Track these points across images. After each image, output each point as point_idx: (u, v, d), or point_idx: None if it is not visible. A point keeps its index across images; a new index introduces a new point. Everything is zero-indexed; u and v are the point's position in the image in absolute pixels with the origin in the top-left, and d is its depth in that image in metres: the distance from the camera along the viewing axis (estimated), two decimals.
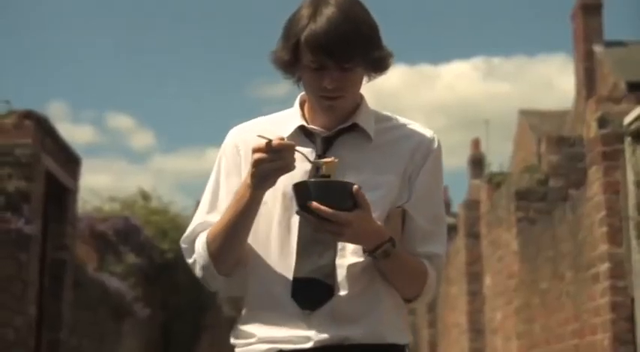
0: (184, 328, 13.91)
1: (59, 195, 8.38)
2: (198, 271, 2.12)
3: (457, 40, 51.53)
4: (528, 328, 8.94)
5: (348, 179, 2.04)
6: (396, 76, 55.24)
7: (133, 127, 56.33)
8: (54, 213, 8.25)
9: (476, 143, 28.61)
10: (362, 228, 1.98)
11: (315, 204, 1.93)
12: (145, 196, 14.14)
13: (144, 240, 12.03)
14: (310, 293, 2.05)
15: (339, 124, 2.14)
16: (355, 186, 1.96)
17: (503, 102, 48.42)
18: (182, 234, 2.19)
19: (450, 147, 48.35)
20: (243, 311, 2.15)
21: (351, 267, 2.07)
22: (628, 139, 6.65)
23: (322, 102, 2.11)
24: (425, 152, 2.17)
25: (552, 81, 45.43)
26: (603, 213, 6.74)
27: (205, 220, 2.15)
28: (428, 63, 62.40)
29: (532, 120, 25.41)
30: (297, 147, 2.00)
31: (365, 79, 2.15)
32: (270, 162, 1.95)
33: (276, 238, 2.09)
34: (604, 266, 6.72)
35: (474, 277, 11.94)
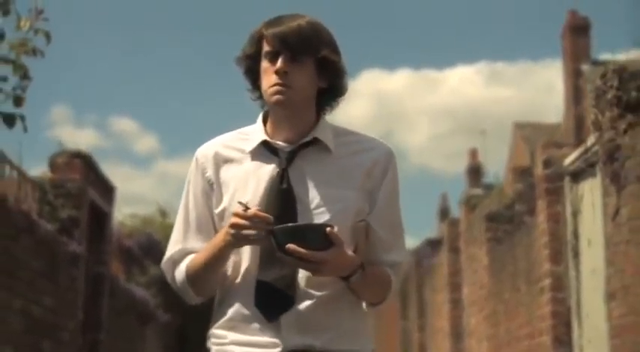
0: (197, 331, 15.46)
1: (99, 218, 9.94)
2: (177, 289, 2.33)
3: (461, 44, 51.65)
4: (495, 332, 10.49)
5: (310, 191, 2.22)
6: (400, 80, 55.61)
7: (137, 131, 56.23)
8: (94, 234, 9.80)
9: (473, 153, 29.79)
10: (337, 263, 2.12)
11: (293, 246, 2.05)
12: (163, 213, 15.74)
13: (164, 254, 13.56)
14: (272, 302, 2.17)
15: (300, 138, 2.26)
16: (328, 228, 2.09)
17: (507, 107, 48.95)
18: None
19: (454, 152, 48.63)
20: (215, 316, 2.29)
21: (313, 277, 2.17)
22: (567, 178, 8.20)
23: (273, 97, 2.22)
24: (384, 166, 2.28)
25: (556, 85, 46.29)
26: (547, 238, 8.30)
27: (181, 248, 2.32)
28: (432, 67, 62.50)
29: (526, 132, 26.69)
30: (258, 212, 2.11)
31: (328, 111, 2.32)
32: (244, 229, 2.10)
33: (243, 247, 2.21)
34: (547, 281, 8.28)
35: (455, 287, 13.49)
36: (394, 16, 53.45)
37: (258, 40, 2.25)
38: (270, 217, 2.10)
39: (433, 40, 53.38)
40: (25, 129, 5.69)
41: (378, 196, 2.27)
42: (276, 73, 2.20)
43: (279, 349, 2.15)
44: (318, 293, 2.19)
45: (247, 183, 2.24)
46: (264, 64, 2.24)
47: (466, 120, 49.70)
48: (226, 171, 2.28)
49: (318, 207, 2.20)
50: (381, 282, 2.27)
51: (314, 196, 2.21)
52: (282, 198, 2.20)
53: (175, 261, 2.31)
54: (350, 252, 2.16)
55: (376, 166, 2.27)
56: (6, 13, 5.56)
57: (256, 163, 2.26)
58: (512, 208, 10.73)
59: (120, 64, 49.00)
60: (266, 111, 2.32)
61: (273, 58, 2.21)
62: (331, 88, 2.28)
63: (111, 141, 51.44)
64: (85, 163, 9.12)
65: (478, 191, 18.36)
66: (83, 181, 9.00)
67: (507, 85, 51.89)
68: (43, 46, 6.00)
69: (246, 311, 2.20)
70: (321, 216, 2.19)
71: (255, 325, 2.18)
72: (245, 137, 2.31)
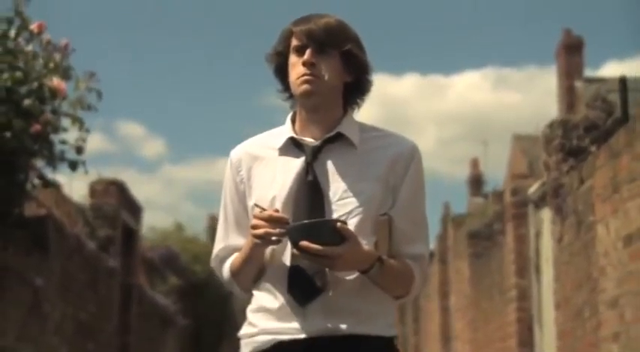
0: (211, 334, 16.95)
1: (129, 236, 11.41)
2: (228, 287, 2.47)
3: (468, 50, 51.28)
4: (475, 335, 11.94)
5: (333, 184, 2.27)
6: (407, 85, 54.18)
7: (143, 136, 55.03)
8: (125, 249, 11.25)
9: (474, 163, 30.84)
10: (351, 258, 2.15)
11: (304, 243, 2.09)
12: (180, 228, 17.26)
13: (182, 265, 15.07)
14: (303, 288, 2.21)
15: (326, 134, 2.31)
16: (338, 223, 2.13)
17: (513, 113, 49.17)
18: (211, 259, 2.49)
19: (460, 157, 48.91)
20: (250, 306, 2.36)
21: None
22: (531, 205, 9.64)
23: (300, 87, 2.28)
24: (406, 162, 2.31)
25: None
26: (513, 255, 9.75)
27: (225, 245, 2.42)
28: (439, 72, 61.29)
29: (524, 144, 27.97)
30: (278, 215, 2.18)
31: (356, 110, 2.39)
32: (263, 229, 2.17)
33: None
34: (514, 292, 9.72)
35: (444, 295, 14.95)
36: (401, 21, 53.52)
37: (287, 37, 2.33)
38: (286, 217, 2.17)
39: (440, 46, 53.54)
40: (86, 172, 7.12)
41: (401, 190, 2.30)
42: (304, 64, 2.27)
43: (306, 333, 2.20)
44: (346, 280, 2.23)
45: (275, 178, 2.31)
46: (293, 58, 2.31)
47: (473, 125, 49.72)
48: (257, 169, 2.36)
49: (341, 198, 2.26)
50: (403, 276, 2.30)
51: (337, 188, 2.27)
52: (309, 190, 2.26)
53: (221, 259, 2.43)
54: (366, 246, 2.20)
55: (399, 161, 2.31)
56: (68, 78, 6.96)
57: (284, 159, 2.33)
58: (491, 227, 12.17)
59: (126, 67, 48.46)
60: (294, 112, 2.39)
61: (300, 51, 2.29)
62: (357, 82, 2.34)
63: (117, 145, 50.81)
64: (118, 189, 10.60)
65: (479, 200, 19.75)
66: (117, 205, 10.47)
67: (514, 90, 52.04)
68: (95, 101, 7.22)
69: (277, 298, 2.26)
70: (343, 208, 2.25)
71: (285, 311, 2.24)
72: (275, 136, 2.39)
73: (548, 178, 8.04)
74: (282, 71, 2.35)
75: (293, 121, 2.37)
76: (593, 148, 7.46)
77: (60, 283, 7.97)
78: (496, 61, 56.43)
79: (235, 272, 2.36)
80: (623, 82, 7.11)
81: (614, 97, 7.53)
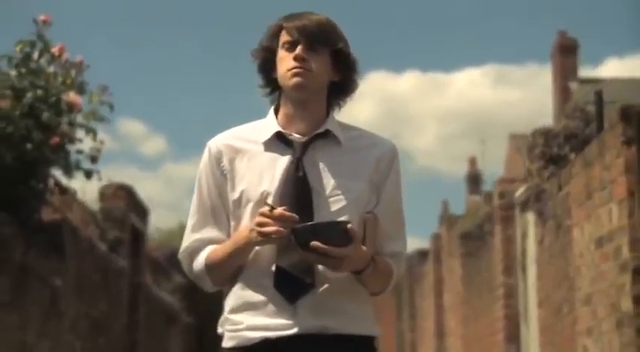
0: (213, 331, 17.47)
1: (136, 237, 11.96)
2: (195, 279, 2.39)
3: (469, 46, 51.28)
4: (467, 331, 12.49)
5: (323, 180, 2.27)
6: (407, 82, 54.48)
7: (145, 133, 56.20)
8: (133, 250, 11.80)
9: (472, 161, 31.18)
10: (356, 259, 2.18)
11: (317, 243, 2.10)
12: (183, 227, 17.78)
13: None
14: (292, 285, 2.21)
15: (312, 131, 2.30)
16: (349, 225, 2.14)
17: (514, 110, 49.24)
18: None
19: (460, 154, 49.13)
20: (230, 302, 2.31)
21: None
22: (517, 207, 10.18)
23: (292, 79, 2.26)
24: (389, 161, 2.34)
25: None
26: (501, 255, 10.31)
27: (197, 238, 2.36)
28: (440, 70, 61.41)
29: (520, 143, 28.46)
30: (284, 212, 2.15)
31: (336, 110, 2.39)
32: (270, 227, 2.15)
33: None
34: (501, 290, 10.28)
35: (439, 293, 15.51)
36: (401, 17, 53.31)
37: (276, 32, 2.33)
38: (296, 217, 2.15)
39: (440, 42, 53.55)
40: (100, 180, 7.67)
41: (384, 189, 2.33)
42: (295, 58, 2.26)
43: (294, 330, 2.20)
44: (334, 278, 2.24)
45: (262, 173, 2.29)
46: (282, 53, 2.31)
47: (473, 122, 49.76)
48: (240, 162, 2.33)
49: (331, 195, 2.27)
50: (385, 274, 2.33)
51: (327, 185, 2.27)
52: (298, 186, 2.26)
53: (193, 251, 2.38)
54: (363, 247, 2.21)
55: (382, 161, 2.33)
56: (82, 92, 7.48)
57: (270, 154, 2.31)
58: (482, 227, 12.71)
59: (128, 65, 49.05)
60: (277, 105, 2.38)
61: (291, 47, 2.29)
62: (343, 82, 2.35)
63: (119, 142, 50.78)
64: (127, 193, 11.17)
65: (477, 198, 20.28)
66: (127, 209, 11.02)
67: (515, 87, 52.04)
68: (108, 113, 7.71)
69: (263, 294, 2.25)
70: (334, 205, 2.26)
71: (272, 307, 2.23)
72: (257, 129, 2.36)
73: (531, 184, 8.59)
74: (267, 66, 2.35)
75: (276, 115, 2.37)
76: (572, 156, 8.00)
77: (75, 283, 8.52)
78: (496, 58, 56.51)
79: (213, 266, 2.32)
80: (599, 94, 7.65)
81: (607, 97, 7.99)
